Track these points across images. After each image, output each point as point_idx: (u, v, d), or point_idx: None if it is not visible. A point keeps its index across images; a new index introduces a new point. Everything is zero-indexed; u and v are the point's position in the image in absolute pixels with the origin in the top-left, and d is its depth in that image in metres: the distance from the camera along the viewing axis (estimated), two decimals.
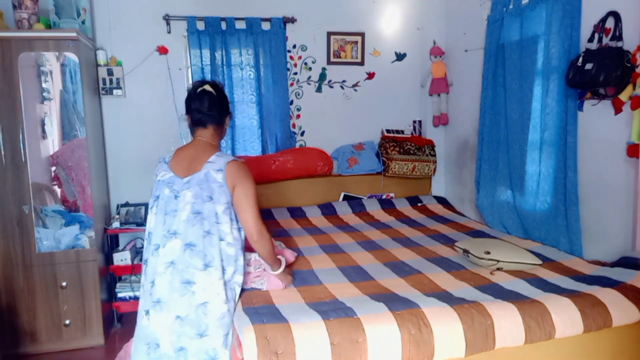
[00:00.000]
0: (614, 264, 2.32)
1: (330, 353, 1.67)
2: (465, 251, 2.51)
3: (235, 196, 1.94)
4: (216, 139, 2.08)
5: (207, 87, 2.01)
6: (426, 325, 1.77)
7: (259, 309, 1.88)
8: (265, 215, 3.59)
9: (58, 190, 3.23)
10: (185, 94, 2.17)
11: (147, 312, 1.91)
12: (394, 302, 1.92)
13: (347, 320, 1.77)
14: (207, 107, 2.00)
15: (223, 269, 1.91)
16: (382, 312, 1.82)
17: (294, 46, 3.91)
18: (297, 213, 3.66)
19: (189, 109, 2.05)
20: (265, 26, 3.78)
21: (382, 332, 1.73)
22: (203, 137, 2.04)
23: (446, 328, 1.78)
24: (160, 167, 2.04)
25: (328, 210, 3.72)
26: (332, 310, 1.86)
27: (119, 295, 3.42)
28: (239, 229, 2.00)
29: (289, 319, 1.77)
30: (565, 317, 1.87)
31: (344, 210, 3.73)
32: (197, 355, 1.85)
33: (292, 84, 3.96)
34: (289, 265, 2.34)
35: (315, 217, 3.62)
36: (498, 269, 2.38)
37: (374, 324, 1.75)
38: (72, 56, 3.06)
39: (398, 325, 1.75)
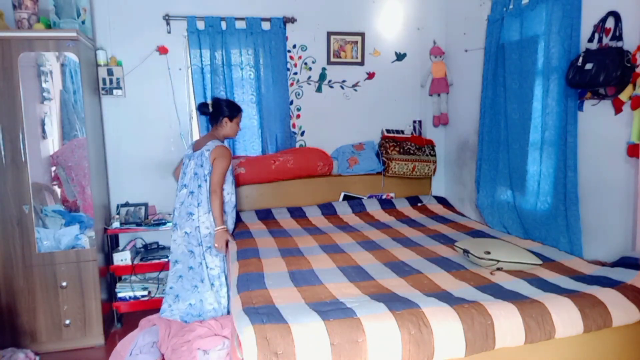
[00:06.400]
0: (614, 264, 2.33)
1: (330, 353, 1.67)
2: (465, 251, 2.51)
3: (213, 165, 3.00)
4: (219, 132, 3.16)
5: (208, 101, 3.18)
6: (426, 325, 1.77)
7: (259, 309, 1.88)
8: (265, 215, 3.60)
9: (58, 190, 3.24)
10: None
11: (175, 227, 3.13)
12: (394, 302, 1.92)
13: (347, 320, 1.77)
14: (207, 115, 3.19)
15: (205, 210, 3.03)
16: (382, 312, 1.82)
17: (294, 46, 3.91)
18: (297, 213, 3.66)
19: None
20: (265, 26, 3.78)
21: (382, 332, 1.73)
22: (213, 130, 3.20)
23: (446, 328, 1.78)
24: (189, 146, 3.29)
25: (328, 210, 3.72)
26: (332, 310, 1.86)
27: (119, 295, 3.42)
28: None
29: (288, 320, 1.77)
30: (565, 317, 1.87)
31: (344, 210, 3.73)
32: (199, 257, 3.05)
33: (292, 84, 3.96)
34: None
35: (315, 217, 3.62)
36: (498, 269, 2.38)
37: (374, 324, 1.75)
38: (72, 56, 3.06)
39: (398, 325, 1.75)
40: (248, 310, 1.89)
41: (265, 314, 1.82)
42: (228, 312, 3.12)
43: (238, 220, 3.42)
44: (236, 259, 2.66)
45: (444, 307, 1.87)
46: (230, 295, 2.76)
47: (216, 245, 2.97)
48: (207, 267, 3.04)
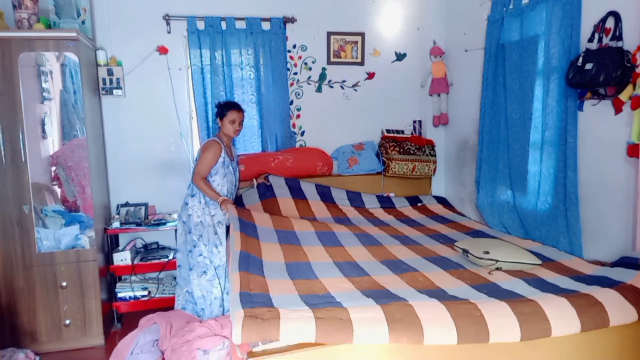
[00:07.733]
0: (614, 264, 2.32)
1: (315, 325, 1.67)
2: (465, 251, 2.51)
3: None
4: (221, 132, 3.24)
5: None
6: (411, 314, 1.76)
7: (254, 297, 1.89)
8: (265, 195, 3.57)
9: (58, 190, 3.24)
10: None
11: None
12: (383, 297, 1.93)
13: (334, 308, 1.79)
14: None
15: (197, 200, 3.19)
16: (369, 304, 1.83)
17: (294, 46, 3.92)
18: (296, 193, 3.62)
19: None
20: (265, 26, 3.78)
21: (366, 315, 1.74)
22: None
23: (433, 314, 1.77)
24: None
25: (325, 192, 3.70)
26: (321, 303, 1.88)
27: (119, 295, 3.42)
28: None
29: (277, 305, 1.80)
30: (561, 315, 1.83)
31: (343, 202, 3.70)
32: (189, 245, 3.19)
33: (292, 84, 3.96)
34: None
35: (314, 201, 3.59)
36: (497, 268, 2.38)
37: (358, 309, 1.77)
38: (72, 56, 3.06)
39: (383, 310, 1.76)
40: (243, 295, 1.90)
41: (258, 302, 1.85)
42: (222, 307, 3.14)
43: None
44: (238, 227, 2.67)
45: (433, 302, 1.85)
46: (228, 270, 2.77)
47: (224, 210, 3.08)
48: (199, 255, 3.16)
